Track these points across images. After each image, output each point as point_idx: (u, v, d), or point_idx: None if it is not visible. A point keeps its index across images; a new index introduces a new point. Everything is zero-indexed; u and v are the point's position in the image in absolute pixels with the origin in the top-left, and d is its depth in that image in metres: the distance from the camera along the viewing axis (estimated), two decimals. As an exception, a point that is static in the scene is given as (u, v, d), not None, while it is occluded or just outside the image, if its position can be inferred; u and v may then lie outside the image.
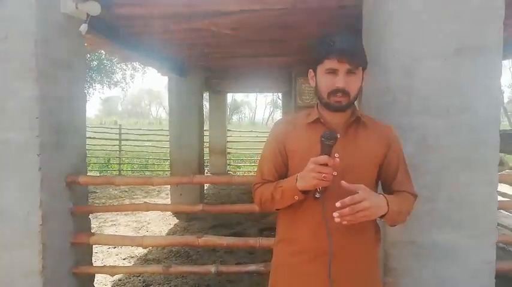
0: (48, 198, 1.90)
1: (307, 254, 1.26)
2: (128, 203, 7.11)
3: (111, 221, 5.87)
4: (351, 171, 1.24)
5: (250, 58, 5.57)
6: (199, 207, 2.00)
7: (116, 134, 12.09)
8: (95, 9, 2.15)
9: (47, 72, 1.93)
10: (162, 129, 15.24)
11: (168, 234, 5.37)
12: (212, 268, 2.07)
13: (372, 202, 1.12)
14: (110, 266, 2.81)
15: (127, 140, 12.17)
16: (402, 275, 1.89)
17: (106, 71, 11.87)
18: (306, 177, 1.14)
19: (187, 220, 5.91)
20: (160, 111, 59.35)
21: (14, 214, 1.87)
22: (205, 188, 6.77)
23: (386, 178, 1.37)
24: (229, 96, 12.58)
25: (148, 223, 5.83)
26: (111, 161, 12.16)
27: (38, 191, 1.85)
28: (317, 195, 1.16)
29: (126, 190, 8.64)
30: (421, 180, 1.84)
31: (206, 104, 14.01)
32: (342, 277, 1.24)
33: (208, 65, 6.06)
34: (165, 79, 6.62)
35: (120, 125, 13.44)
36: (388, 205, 1.17)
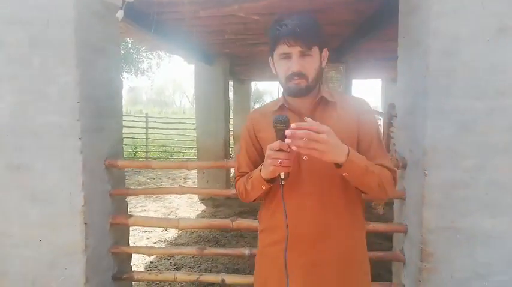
0: (89, 180, 1.97)
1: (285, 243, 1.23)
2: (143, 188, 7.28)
3: (140, 206, 6.04)
4: None
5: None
6: (232, 191, 2.02)
7: (143, 122, 12.34)
8: (130, -5, 2.18)
9: (85, 58, 1.98)
10: (186, 118, 15.39)
11: (196, 219, 5.47)
12: (246, 251, 2.10)
13: (331, 139, 1.03)
14: (147, 247, 2.91)
15: (153, 128, 12.40)
16: (439, 260, 1.87)
17: (133, 60, 12.05)
18: (265, 164, 1.12)
19: (214, 207, 6.00)
20: (184, 101, 59.94)
21: (57, 194, 1.95)
22: (231, 175, 6.84)
23: (360, 153, 1.24)
24: (252, 85, 12.55)
25: (177, 209, 5.96)
26: (137, 149, 12.42)
27: (80, 174, 1.92)
28: (282, 182, 1.12)
29: (154, 177, 8.83)
30: (461, 164, 1.81)
31: (231, 94, 14.05)
32: (322, 264, 1.22)
33: (233, 52, 6.05)
34: (188, 69, 6.73)
35: (146, 113, 13.69)
36: (348, 155, 1.08)
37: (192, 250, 2.22)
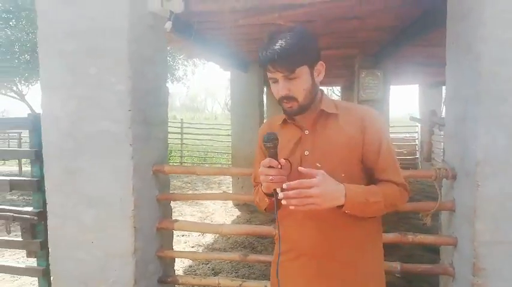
0: (139, 185, 2.04)
1: (291, 253, 1.25)
2: (190, 193, 7.41)
3: (177, 211, 6.16)
4: (323, 166, 1.17)
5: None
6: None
7: (178, 127, 12.61)
8: (179, 6, 2.25)
9: (137, 68, 2.06)
10: (218, 124, 15.53)
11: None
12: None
13: (323, 189, 1.04)
14: (191, 252, 2.97)
15: (188, 133, 12.64)
16: (491, 276, 1.79)
17: (169, 67, 12.39)
18: (261, 181, 1.16)
19: (249, 212, 6.03)
20: (216, 106, 60.72)
21: (109, 199, 2.03)
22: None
23: (368, 166, 1.24)
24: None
25: (212, 214, 6.03)
26: (172, 154, 12.70)
27: (131, 179, 1.99)
28: (279, 196, 1.09)
29: (189, 181, 8.99)
30: (515, 175, 1.73)
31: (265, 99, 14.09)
32: (327, 276, 1.20)
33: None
34: (221, 75, 6.81)
35: (181, 119, 13.99)
36: (346, 195, 1.08)
37: (234, 255, 2.25)
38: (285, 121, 1.31)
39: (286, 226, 1.26)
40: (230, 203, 6.59)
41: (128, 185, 2.00)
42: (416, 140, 10.71)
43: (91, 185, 2.04)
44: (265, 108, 8.39)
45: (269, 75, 1.19)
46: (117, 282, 2.02)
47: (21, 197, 7.24)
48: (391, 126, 8.87)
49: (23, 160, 10.09)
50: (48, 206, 2.09)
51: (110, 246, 2.03)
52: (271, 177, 1.09)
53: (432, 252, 2.36)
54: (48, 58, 2.09)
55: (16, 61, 9.85)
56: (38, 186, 2.15)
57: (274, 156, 1.11)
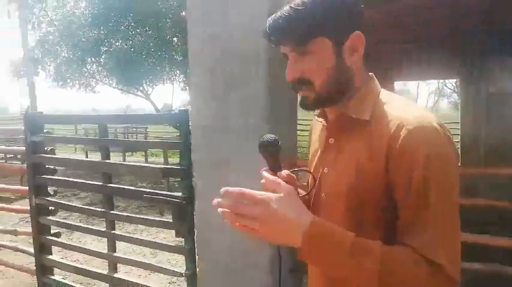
0: (275, 177, 2.17)
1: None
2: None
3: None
4: (336, 199, 0.86)
5: (422, 41, 5.03)
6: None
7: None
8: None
9: (274, 67, 2.18)
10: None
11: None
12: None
13: (272, 214, 0.70)
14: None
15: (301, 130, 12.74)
16: None
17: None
18: None
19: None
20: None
21: (250, 187, 2.19)
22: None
23: (392, 214, 0.79)
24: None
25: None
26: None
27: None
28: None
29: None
30: None
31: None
32: None
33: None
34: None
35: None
36: (304, 236, 0.71)
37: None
38: (319, 116, 0.98)
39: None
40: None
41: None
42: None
43: (232, 177, 2.23)
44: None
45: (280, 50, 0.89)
46: (257, 266, 2.18)
47: (149, 185, 8.20)
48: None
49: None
50: (195, 193, 2.35)
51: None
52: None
53: None
54: (196, 62, 2.34)
55: (144, 65, 11.12)
56: (186, 174, 2.42)
57: (275, 166, 0.87)
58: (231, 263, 2.26)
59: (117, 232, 2.78)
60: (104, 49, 11.47)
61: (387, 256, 0.70)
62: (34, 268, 3.19)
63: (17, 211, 3.76)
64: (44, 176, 2.96)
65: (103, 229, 2.76)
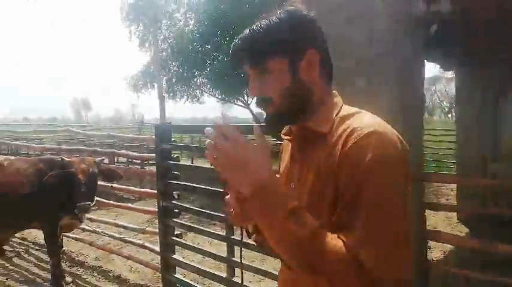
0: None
1: None
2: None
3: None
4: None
5: None
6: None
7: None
8: (446, 6, 2.16)
9: (401, 73, 2.07)
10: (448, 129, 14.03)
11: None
12: None
13: (237, 154, 0.74)
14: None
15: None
16: None
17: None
18: None
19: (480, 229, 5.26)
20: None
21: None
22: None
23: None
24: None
25: (434, 228, 5.57)
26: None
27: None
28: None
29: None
30: None
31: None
32: None
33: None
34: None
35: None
36: (259, 186, 0.74)
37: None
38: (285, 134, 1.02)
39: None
40: (454, 217, 5.93)
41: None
42: None
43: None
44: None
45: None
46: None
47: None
48: None
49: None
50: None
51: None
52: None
53: None
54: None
55: (245, 76, 11.58)
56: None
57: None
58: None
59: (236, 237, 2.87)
60: (209, 63, 12.29)
61: (318, 236, 0.72)
62: (158, 265, 3.49)
63: (145, 212, 4.16)
64: (170, 181, 3.24)
65: (223, 234, 2.89)
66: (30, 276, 4.02)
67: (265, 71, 0.87)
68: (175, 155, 3.34)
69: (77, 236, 4.68)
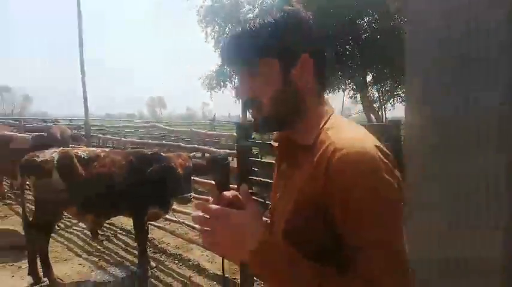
0: None
1: None
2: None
3: None
4: (280, 227, 0.85)
5: None
6: None
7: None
8: None
9: None
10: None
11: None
12: None
13: (225, 232, 0.73)
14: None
15: None
16: None
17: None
18: None
19: None
20: None
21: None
22: None
23: (329, 246, 0.77)
24: None
25: None
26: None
27: None
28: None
29: None
30: None
31: None
32: None
33: None
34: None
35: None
36: (252, 254, 0.72)
37: None
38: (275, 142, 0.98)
39: None
40: None
41: None
42: None
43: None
44: None
45: None
46: None
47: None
48: None
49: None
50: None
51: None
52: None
53: None
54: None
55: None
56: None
57: (224, 184, 0.88)
58: None
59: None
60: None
61: (329, 278, 0.71)
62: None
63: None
64: (250, 177, 3.32)
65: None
66: (118, 258, 4.39)
67: (256, 72, 0.84)
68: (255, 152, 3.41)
69: (160, 225, 5.01)
